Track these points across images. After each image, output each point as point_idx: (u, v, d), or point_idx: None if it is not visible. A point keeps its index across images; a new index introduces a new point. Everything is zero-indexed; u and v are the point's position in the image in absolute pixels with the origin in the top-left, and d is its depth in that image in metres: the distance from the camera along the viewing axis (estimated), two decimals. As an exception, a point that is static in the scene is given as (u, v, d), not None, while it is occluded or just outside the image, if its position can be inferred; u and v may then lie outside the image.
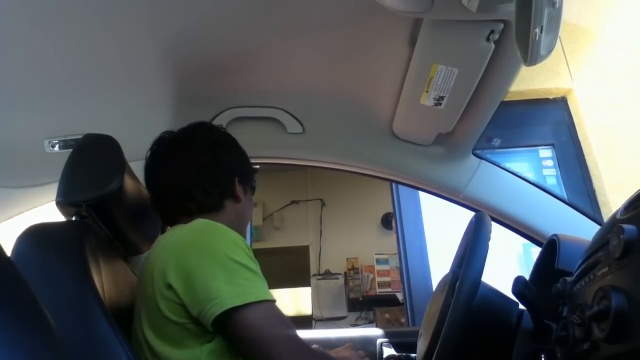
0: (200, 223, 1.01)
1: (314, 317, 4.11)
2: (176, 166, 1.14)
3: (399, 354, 1.43)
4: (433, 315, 0.92)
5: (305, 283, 4.28)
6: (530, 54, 0.66)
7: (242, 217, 1.19)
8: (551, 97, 2.87)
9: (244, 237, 1.06)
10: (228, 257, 0.94)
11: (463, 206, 1.47)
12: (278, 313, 0.95)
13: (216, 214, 1.12)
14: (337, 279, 4.15)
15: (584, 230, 1.02)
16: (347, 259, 4.21)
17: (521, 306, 0.84)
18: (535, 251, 1.79)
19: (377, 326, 3.68)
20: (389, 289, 4.04)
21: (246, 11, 0.99)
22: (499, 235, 1.12)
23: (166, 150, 1.18)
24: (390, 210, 3.07)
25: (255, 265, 0.96)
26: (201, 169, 1.14)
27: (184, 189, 1.12)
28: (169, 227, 1.15)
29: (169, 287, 0.93)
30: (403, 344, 1.49)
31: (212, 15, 1.00)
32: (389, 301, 3.96)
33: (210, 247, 0.96)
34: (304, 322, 4.01)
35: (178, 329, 0.94)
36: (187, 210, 1.12)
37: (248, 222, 1.24)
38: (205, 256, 0.94)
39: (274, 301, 0.95)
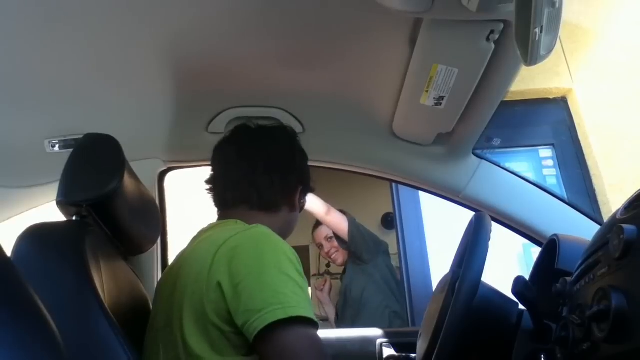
0: (260, 231, 1.01)
1: (314, 316, 4.10)
2: (253, 154, 1.16)
3: (399, 354, 1.43)
4: (433, 316, 0.92)
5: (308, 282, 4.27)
6: (530, 54, 0.66)
7: (289, 228, 1.21)
8: (551, 97, 2.87)
9: None
10: (278, 269, 0.93)
11: (463, 206, 1.47)
12: (317, 341, 0.92)
13: (271, 215, 1.14)
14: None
15: (584, 230, 1.02)
16: (347, 259, 4.21)
17: (521, 306, 0.84)
18: (535, 251, 1.79)
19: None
20: (389, 289, 4.03)
21: (246, 11, 0.99)
22: (499, 235, 1.12)
23: (247, 138, 1.20)
24: (390, 210, 3.06)
25: (304, 283, 0.95)
26: (275, 164, 1.16)
27: (253, 177, 1.14)
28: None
29: (219, 287, 0.92)
30: (403, 344, 1.49)
31: (212, 15, 1.00)
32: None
33: (263, 257, 0.95)
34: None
35: (219, 335, 0.92)
36: (247, 200, 1.13)
37: (287, 235, 1.23)
38: (257, 266, 0.93)
39: (315, 325, 0.92)
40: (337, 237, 2.73)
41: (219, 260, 0.95)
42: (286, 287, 0.92)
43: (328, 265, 3.06)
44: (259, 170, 1.15)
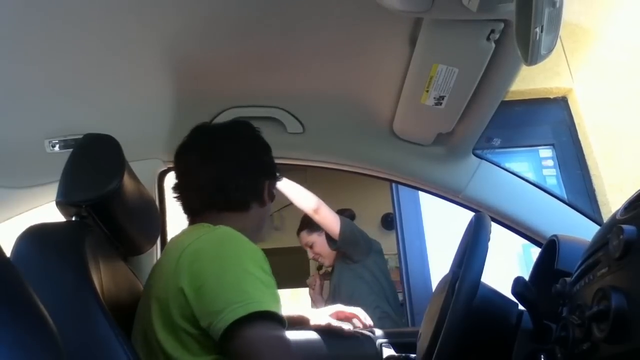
0: (223, 232, 1.00)
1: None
2: (214, 157, 1.14)
3: (399, 354, 1.43)
4: (433, 316, 0.92)
5: (305, 284, 4.27)
6: (531, 54, 0.66)
7: (262, 223, 1.19)
8: (551, 97, 2.87)
9: (261, 240, 1.05)
10: (240, 268, 0.93)
11: (463, 206, 1.47)
12: (281, 336, 0.90)
13: (241, 214, 1.12)
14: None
15: (584, 231, 1.02)
16: (347, 259, 4.20)
17: (521, 307, 0.84)
18: (535, 251, 1.79)
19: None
20: (389, 289, 4.02)
21: (246, 11, 0.99)
22: (499, 235, 1.12)
23: (206, 140, 1.17)
24: (390, 210, 3.06)
25: (269, 280, 0.94)
26: (239, 164, 1.14)
27: (218, 180, 1.11)
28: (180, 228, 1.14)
29: (182, 292, 0.92)
30: (403, 344, 1.49)
31: (212, 15, 1.00)
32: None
33: (224, 258, 0.95)
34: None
35: (189, 338, 0.93)
36: (215, 203, 1.11)
37: (263, 229, 1.22)
38: (218, 268, 0.93)
39: (282, 321, 0.90)
40: (327, 235, 2.65)
41: (182, 265, 0.94)
42: (247, 284, 0.90)
43: (319, 268, 3.02)
44: (224, 174, 1.12)
